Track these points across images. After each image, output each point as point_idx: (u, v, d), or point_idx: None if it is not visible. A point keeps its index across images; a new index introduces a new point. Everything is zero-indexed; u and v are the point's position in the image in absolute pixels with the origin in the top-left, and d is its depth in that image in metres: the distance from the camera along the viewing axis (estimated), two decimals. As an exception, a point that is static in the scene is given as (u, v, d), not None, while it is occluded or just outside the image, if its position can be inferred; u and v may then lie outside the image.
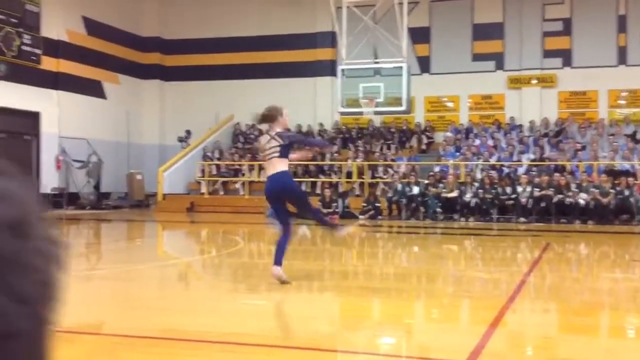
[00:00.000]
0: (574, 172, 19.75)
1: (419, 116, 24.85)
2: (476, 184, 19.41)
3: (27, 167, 20.29)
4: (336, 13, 19.25)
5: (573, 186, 18.55)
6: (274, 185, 7.56)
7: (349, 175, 21.95)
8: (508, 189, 19.07)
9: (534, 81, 24.19)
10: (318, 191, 21.26)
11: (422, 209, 19.65)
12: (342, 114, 20.42)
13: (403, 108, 17.98)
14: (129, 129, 26.33)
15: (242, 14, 26.56)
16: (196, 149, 25.16)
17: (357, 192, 21.63)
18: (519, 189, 18.93)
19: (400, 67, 17.75)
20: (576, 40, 23.84)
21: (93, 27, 24.69)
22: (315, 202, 20.05)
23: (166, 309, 6.56)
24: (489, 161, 21.11)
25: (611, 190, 18.06)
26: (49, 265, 0.48)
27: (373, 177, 21.74)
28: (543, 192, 18.53)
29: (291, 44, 26.10)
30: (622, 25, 23.37)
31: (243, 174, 23.38)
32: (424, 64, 25.00)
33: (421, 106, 24.99)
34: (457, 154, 22.00)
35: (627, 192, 18.07)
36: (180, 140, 25.79)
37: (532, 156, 21.26)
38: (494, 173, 20.00)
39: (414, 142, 23.99)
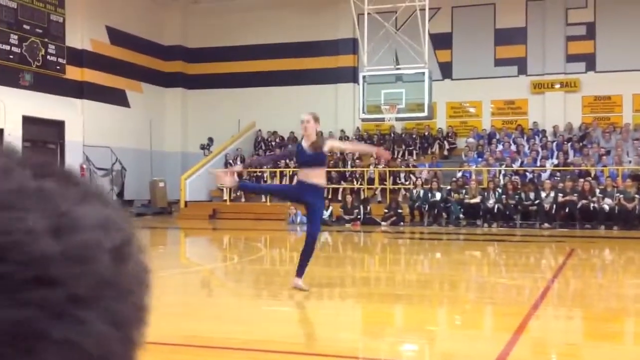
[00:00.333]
0: (599, 177, 19.55)
1: (441, 122, 24.75)
2: (499, 190, 19.28)
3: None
4: (357, 20, 19.27)
5: (597, 191, 18.36)
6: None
7: (370, 181, 21.92)
8: (531, 195, 18.92)
9: (557, 86, 24.01)
10: (340, 198, 21.25)
11: (444, 215, 19.56)
12: (364, 120, 20.41)
13: (425, 114, 17.94)
14: (152, 137, 26.54)
15: (263, 21, 26.68)
16: (218, 156, 25.28)
17: (379, 198, 21.59)
18: (543, 194, 18.77)
19: (422, 73, 17.72)
20: (600, 44, 23.63)
21: (116, 37, 24.96)
22: (337, 208, 20.07)
23: (189, 315, 6.59)
24: (511, 167, 20.97)
25: (636, 195, 17.85)
26: (141, 289, 0.50)
27: (395, 183, 21.69)
28: (567, 198, 18.36)
29: (313, 51, 26.17)
30: (646, 28, 23.14)
31: (265, 181, 23.43)
32: (446, 70, 24.92)
33: (443, 112, 24.90)
34: (480, 159, 21.88)
35: (652, 197, 17.85)
36: (203, 147, 25.93)
37: (555, 161, 21.10)
38: (517, 178, 19.86)
39: (435, 148, 23.91)
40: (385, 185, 21.60)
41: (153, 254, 13.71)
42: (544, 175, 20.35)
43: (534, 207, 18.76)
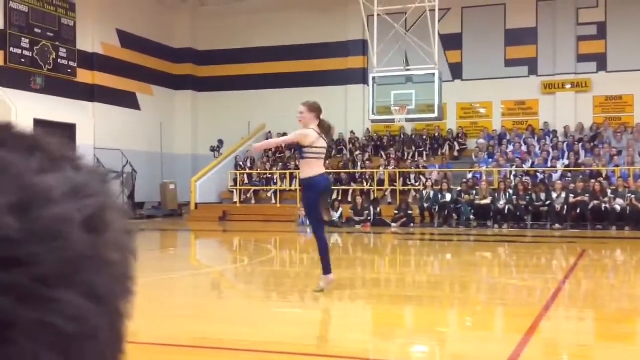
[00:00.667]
0: (610, 177, 19.45)
1: (451, 123, 24.70)
2: (510, 191, 19.22)
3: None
4: (367, 21, 19.27)
5: (609, 192, 18.26)
6: (328, 182, 7.70)
7: (380, 182, 21.90)
8: (542, 195, 18.84)
9: (568, 86, 23.91)
10: (350, 199, 21.25)
11: (454, 216, 19.52)
12: (374, 121, 20.41)
13: (435, 115, 17.91)
14: (163, 140, 26.63)
15: (272, 23, 26.72)
16: (228, 158, 25.34)
17: (389, 199, 21.56)
18: (554, 195, 18.69)
19: (432, 74, 17.69)
20: (611, 44, 23.51)
21: (127, 40, 25.06)
22: (347, 210, 20.07)
23: (200, 317, 6.60)
24: (522, 167, 20.89)
25: (648, 196, 17.75)
26: (124, 257, 0.47)
27: (405, 184, 21.66)
28: (578, 198, 18.28)
29: (322, 52, 26.18)
30: (657, 28, 23.01)
31: (275, 183, 23.46)
32: (456, 71, 24.87)
33: (453, 113, 24.85)
34: (490, 160, 21.82)
35: (665, 198, 17.73)
36: (213, 149, 25.99)
37: (566, 162, 21.00)
38: (527, 179, 19.79)
39: (446, 149, 23.86)
40: (395, 186, 21.58)
41: (164, 256, 13.77)
42: (555, 176, 20.27)
43: (545, 208, 18.69)
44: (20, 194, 0.41)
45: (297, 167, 22.31)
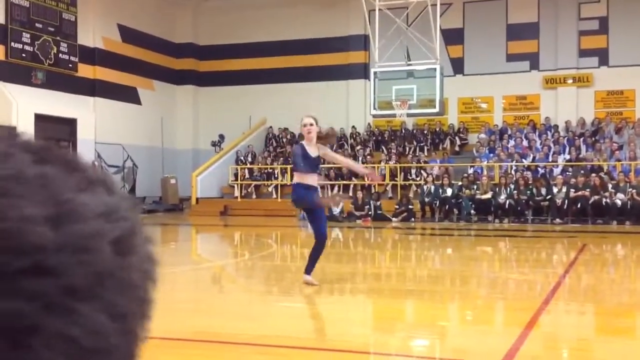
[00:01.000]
0: (611, 172, 19.44)
1: (452, 118, 24.69)
2: (511, 185, 19.22)
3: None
4: (369, 16, 19.25)
5: (610, 186, 18.27)
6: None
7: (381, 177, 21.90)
8: (543, 190, 18.85)
9: (570, 81, 23.88)
10: (351, 194, 21.25)
11: (455, 210, 19.53)
12: (375, 116, 20.40)
13: (436, 110, 17.91)
14: (164, 134, 26.63)
15: (274, 18, 26.68)
16: (229, 153, 25.35)
17: (390, 194, 21.57)
18: (554, 189, 18.70)
19: (434, 69, 17.68)
20: (613, 39, 23.48)
21: (128, 35, 25.04)
22: (347, 204, 20.08)
23: (200, 311, 6.62)
24: (522, 162, 20.88)
25: (649, 191, 17.75)
26: (145, 282, 0.48)
27: (406, 179, 21.66)
28: (579, 193, 18.28)
29: (324, 47, 26.15)
30: (659, 22, 22.97)
31: (276, 178, 23.47)
32: (458, 65, 24.84)
33: (454, 107, 24.84)
34: (491, 155, 21.82)
35: (666, 193, 17.73)
36: (214, 144, 26.00)
37: (567, 157, 21.00)
38: (528, 174, 19.79)
39: (447, 144, 23.85)
40: (396, 181, 21.59)
41: (165, 251, 13.78)
42: (556, 171, 20.27)
43: (546, 203, 18.70)
44: (58, 207, 0.43)
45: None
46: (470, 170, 20.82)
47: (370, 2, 18.82)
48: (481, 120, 24.64)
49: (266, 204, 22.58)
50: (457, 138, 24.03)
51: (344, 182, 22.05)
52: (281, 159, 24.09)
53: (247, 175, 24.08)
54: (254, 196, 23.63)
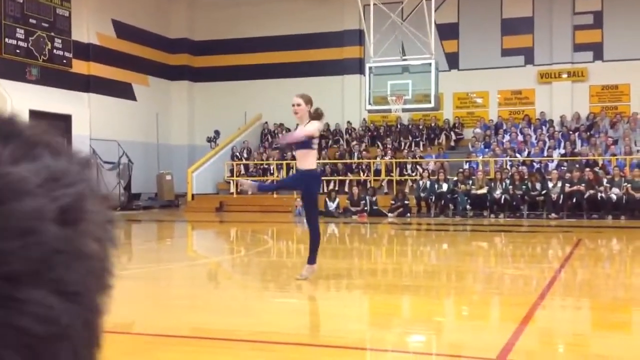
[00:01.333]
0: (606, 166, 19.48)
1: (448, 113, 24.70)
2: (506, 180, 19.24)
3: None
4: (363, 11, 19.22)
5: (605, 181, 18.31)
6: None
7: (377, 173, 21.92)
8: (538, 185, 18.88)
9: (565, 75, 23.91)
10: (346, 189, 21.26)
11: (451, 206, 19.55)
12: (370, 111, 20.38)
13: (431, 105, 17.88)
14: (159, 130, 26.58)
15: (269, 13, 26.64)
16: (225, 149, 25.31)
17: (386, 189, 21.58)
18: (550, 184, 18.73)
19: (429, 64, 17.65)
20: (607, 33, 23.50)
21: (122, 30, 24.97)
22: (343, 200, 20.09)
23: (197, 307, 6.62)
24: (516, 157, 20.90)
25: (644, 185, 17.79)
26: (102, 249, 0.44)
27: (401, 174, 21.67)
28: (574, 188, 18.31)
29: (319, 42, 26.12)
30: (654, 17, 22.99)
31: (272, 173, 23.45)
32: (453, 60, 24.85)
33: (450, 102, 24.85)
34: (487, 150, 21.84)
35: (660, 187, 17.78)
36: (209, 140, 25.96)
37: (562, 151, 21.03)
38: (524, 169, 19.82)
39: (442, 139, 23.87)
40: (391, 176, 21.59)
41: (160, 247, 13.78)
42: (551, 166, 20.30)
43: (541, 198, 18.73)
44: None
45: (293, 158, 22.32)
46: (466, 165, 20.84)
47: (365, -3, 18.80)
48: (476, 115, 24.65)
49: (262, 200, 22.56)
50: (452, 133, 24.05)
51: (340, 177, 22.06)
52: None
53: (242, 171, 24.05)
54: (249, 192, 23.59)
